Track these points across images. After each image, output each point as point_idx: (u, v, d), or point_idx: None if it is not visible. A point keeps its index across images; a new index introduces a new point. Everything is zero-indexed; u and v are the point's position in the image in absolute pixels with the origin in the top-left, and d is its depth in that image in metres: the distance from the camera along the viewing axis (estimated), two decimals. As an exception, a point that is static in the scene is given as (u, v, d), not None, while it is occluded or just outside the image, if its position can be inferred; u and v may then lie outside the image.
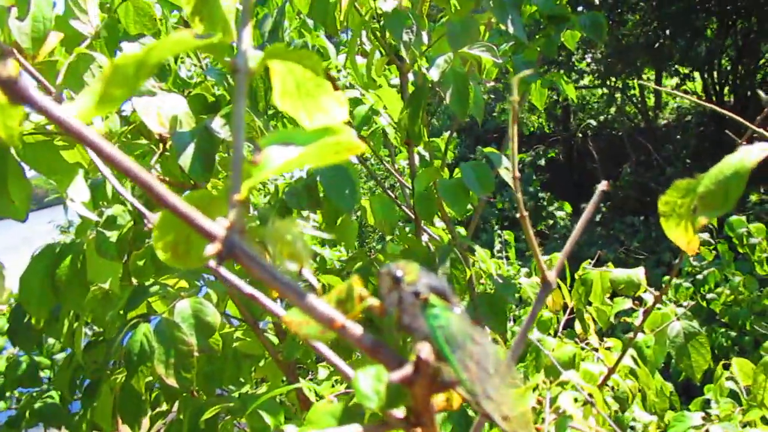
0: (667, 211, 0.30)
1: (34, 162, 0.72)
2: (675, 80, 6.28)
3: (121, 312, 0.79)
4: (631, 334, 0.77)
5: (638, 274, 0.73)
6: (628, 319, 0.89)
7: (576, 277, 0.85)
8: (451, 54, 0.92)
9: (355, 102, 1.18)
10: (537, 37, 1.41)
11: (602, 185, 0.37)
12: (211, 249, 0.18)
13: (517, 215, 0.35)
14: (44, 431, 1.30)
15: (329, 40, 1.26)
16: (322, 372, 1.32)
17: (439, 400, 0.29)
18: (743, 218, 1.99)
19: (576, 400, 0.68)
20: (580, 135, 6.73)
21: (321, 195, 0.97)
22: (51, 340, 1.48)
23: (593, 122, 6.66)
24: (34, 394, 1.34)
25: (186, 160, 0.73)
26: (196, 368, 0.86)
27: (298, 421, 0.69)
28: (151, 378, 0.96)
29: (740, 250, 2.00)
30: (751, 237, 1.96)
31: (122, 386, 0.87)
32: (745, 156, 0.26)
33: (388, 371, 0.20)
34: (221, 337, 0.92)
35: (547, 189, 5.91)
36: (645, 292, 0.79)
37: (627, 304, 0.84)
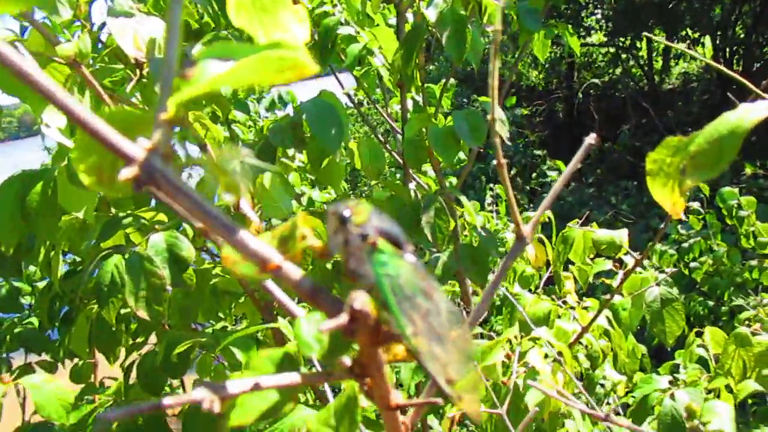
0: (655, 170, 0.28)
1: (1, 82, 0.68)
2: (683, 45, 6.12)
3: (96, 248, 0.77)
4: (609, 296, 0.77)
5: (621, 235, 0.72)
6: (609, 281, 0.89)
7: (558, 236, 0.84)
8: (452, -7, 0.87)
9: (348, 39, 1.13)
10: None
11: (591, 138, 0.34)
12: (127, 173, 0.16)
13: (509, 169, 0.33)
14: (25, 356, 1.31)
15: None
16: (302, 311, 1.33)
17: (397, 350, 0.28)
18: (735, 190, 1.98)
19: (546, 356, 0.69)
20: (581, 95, 6.62)
21: (308, 135, 0.94)
22: (32, 268, 1.48)
23: (597, 81, 6.53)
24: (15, 319, 1.34)
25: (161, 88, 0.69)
26: (173, 303, 0.85)
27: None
28: (129, 309, 0.96)
29: (728, 222, 2.00)
30: (741, 209, 1.96)
31: (96, 316, 0.87)
32: (745, 114, 0.24)
33: (327, 316, 0.18)
34: (199, 273, 0.91)
35: (544, 147, 5.85)
36: (626, 254, 0.78)
37: (607, 265, 0.84)
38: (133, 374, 0.99)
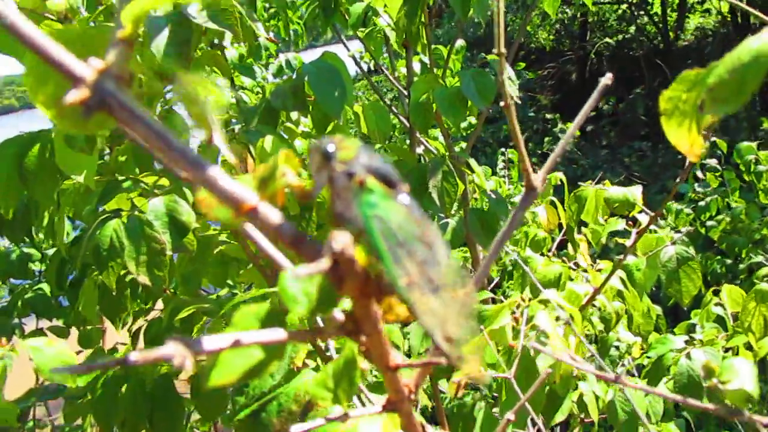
0: (669, 109, 0.25)
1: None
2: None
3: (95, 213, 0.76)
4: (622, 256, 0.75)
5: (634, 192, 0.69)
6: (623, 240, 0.86)
7: (570, 195, 0.81)
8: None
9: (351, -1, 1.09)
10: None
11: (606, 78, 0.32)
12: (74, 95, 0.14)
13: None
14: (36, 322, 1.32)
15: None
16: (289, 263, 1.32)
17: (399, 309, 0.26)
18: (753, 145, 1.93)
19: (557, 319, 0.67)
20: (594, 56, 6.44)
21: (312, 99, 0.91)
22: (41, 235, 1.48)
23: (610, 41, 6.35)
24: (26, 285, 1.35)
25: (159, 46, 0.67)
26: (178, 269, 0.84)
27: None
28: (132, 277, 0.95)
29: (746, 178, 1.96)
30: (759, 164, 1.91)
31: (101, 284, 0.86)
32: None
33: (311, 265, 0.16)
34: (204, 239, 0.90)
35: (556, 110, 5.74)
36: (640, 212, 0.75)
37: (621, 225, 0.81)
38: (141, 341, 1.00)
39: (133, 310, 0.99)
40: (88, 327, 1.04)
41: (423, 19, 0.91)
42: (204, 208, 0.18)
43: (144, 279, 0.65)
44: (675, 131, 0.24)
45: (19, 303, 1.29)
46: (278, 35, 1.84)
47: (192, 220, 0.69)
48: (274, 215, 0.16)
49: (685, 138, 0.24)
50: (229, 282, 1.15)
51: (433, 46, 1.17)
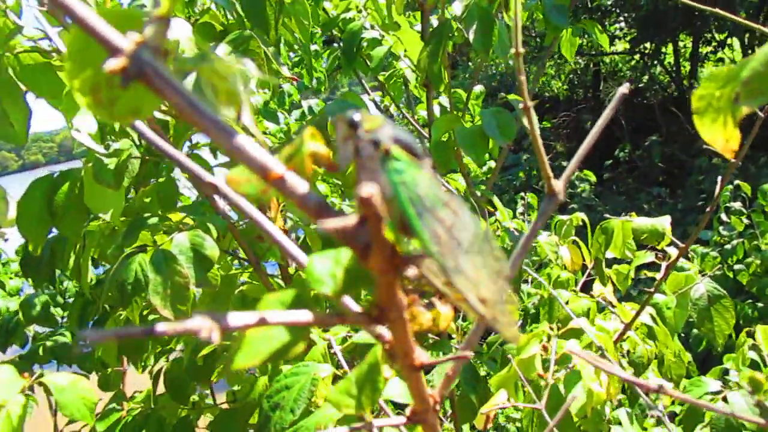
0: (702, 107, 0.25)
1: (33, 84, 0.69)
2: (709, 48, 6.00)
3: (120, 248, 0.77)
4: (653, 289, 0.73)
5: (663, 223, 0.68)
6: (652, 274, 0.85)
7: (597, 228, 0.80)
8: (476, -13, 0.86)
9: (373, 43, 1.13)
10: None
11: (624, 87, 0.32)
12: (114, 63, 0.15)
13: (541, 183, 0.31)
14: (57, 368, 1.32)
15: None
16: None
17: (423, 318, 0.26)
18: (778, 187, 1.90)
19: (590, 346, 0.65)
20: (607, 104, 6.49)
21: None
22: (66, 283, 1.50)
23: (624, 90, 6.41)
24: (48, 333, 1.36)
25: (190, 84, 0.69)
26: (200, 306, 0.84)
27: (296, 364, 0.67)
28: (157, 315, 0.95)
29: (773, 220, 1.92)
30: (786, 207, 1.87)
31: (124, 322, 0.87)
32: None
33: (338, 238, 0.16)
34: (226, 278, 0.90)
35: (572, 157, 5.74)
36: (669, 245, 0.74)
37: (649, 257, 0.80)
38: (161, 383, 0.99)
39: (154, 352, 0.99)
40: (108, 370, 1.04)
41: (444, 60, 0.94)
42: (233, 186, 0.18)
43: (168, 313, 0.65)
44: (709, 128, 0.24)
45: (41, 350, 1.29)
46: (302, 82, 1.90)
47: (216, 254, 0.69)
48: (300, 184, 0.16)
49: (720, 134, 0.24)
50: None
51: (452, 90, 1.20)
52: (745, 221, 2.03)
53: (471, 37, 0.87)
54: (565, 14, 1.23)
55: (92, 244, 0.89)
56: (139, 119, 0.20)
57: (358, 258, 0.17)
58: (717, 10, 0.63)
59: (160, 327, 0.16)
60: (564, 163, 5.71)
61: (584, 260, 1.26)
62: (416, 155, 0.17)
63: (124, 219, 0.84)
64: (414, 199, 0.16)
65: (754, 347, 1.15)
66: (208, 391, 1.22)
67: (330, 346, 0.67)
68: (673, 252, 0.76)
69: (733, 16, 0.58)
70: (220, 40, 0.81)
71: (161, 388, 0.95)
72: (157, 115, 0.79)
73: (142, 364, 0.93)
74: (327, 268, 0.19)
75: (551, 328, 0.57)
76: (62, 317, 1.45)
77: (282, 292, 0.20)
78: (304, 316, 0.19)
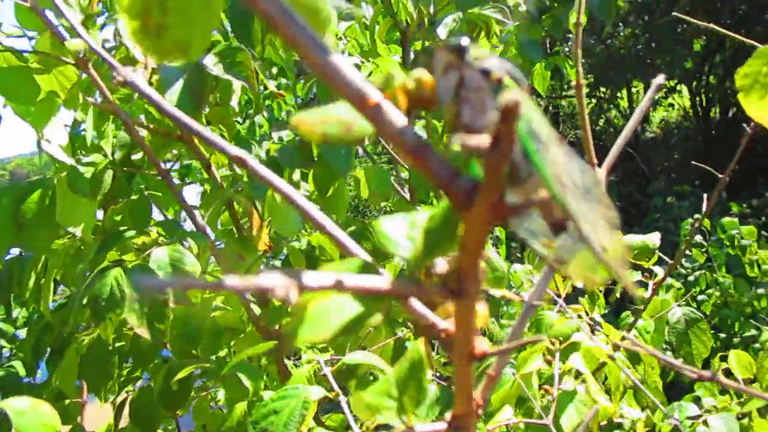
0: (747, 84, 0.25)
1: (2, 87, 0.65)
2: (661, 93, 6.34)
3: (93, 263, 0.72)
4: (642, 306, 0.73)
5: (653, 239, 0.69)
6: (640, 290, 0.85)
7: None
8: (461, 13, 0.87)
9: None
10: (544, 17, 1.37)
11: (660, 78, 0.32)
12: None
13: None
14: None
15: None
16: (304, 356, 1.26)
17: (450, 307, 0.24)
18: (735, 220, 1.98)
19: (577, 376, 0.63)
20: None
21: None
22: (16, 312, 1.40)
23: (661, 80, 6.72)
24: (-4, 363, 1.26)
25: (173, 95, 0.67)
26: (174, 329, 0.79)
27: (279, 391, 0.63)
28: (123, 343, 0.89)
29: (731, 252, 1.99)
30: (743, 239, 1.95)
31: (88, 348, 0.81)
32: None
33: (435, 184, 0.15)
34: (201, 303, 0.86)
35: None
36: (656, 264, 0.75)
37: (636, 276, 0.80)
38: (125, 417, 0.91)
39: (119, 381, 0.92)
40: (66, 402, 0.96)
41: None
42: (304, 128, 0.16)
43: (144, 331, 0.60)
44: (756, 105, 0.24)
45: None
46: (273, 115, 1.89)
47: (197, 270, 0.66)
48: (398, 116, 0.14)
49: (770, 109, 0.24)
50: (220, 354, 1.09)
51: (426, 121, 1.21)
52: (705, 254, 2.10)
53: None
54: (539, 49, 1.27)
55: (56, 264, 0.83)
56: (186, 60, 0.18)
57: (454, 206, 0.15)
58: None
59: (231, 280, 0.14)
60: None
61: (557, 288, 1.27)
62: (523, 88, 0.15)
63: (94, 237, 0.80)
64: (532, 135, 0.14)
65: (727, 372, 1.17)
66: (172, 427, 1.14)
67: (320, 369, 0.63)
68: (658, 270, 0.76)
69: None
70: (207, 52, 0.80)
71: (124, 421, 0.88)
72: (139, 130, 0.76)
73: (105, 395, 0.86)
74: (402, 231, 0.17)
75: (552, 343, 0.56)
76: (11, 349, 1.35)
77: (346, 261, 0.18)
78: (382, 282, 0.16)
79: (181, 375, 0.66)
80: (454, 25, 0.87)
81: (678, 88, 6.31)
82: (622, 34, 5.82)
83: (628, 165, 5.96)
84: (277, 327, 0.88)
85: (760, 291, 1.87)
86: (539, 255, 0.17)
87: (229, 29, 0.80)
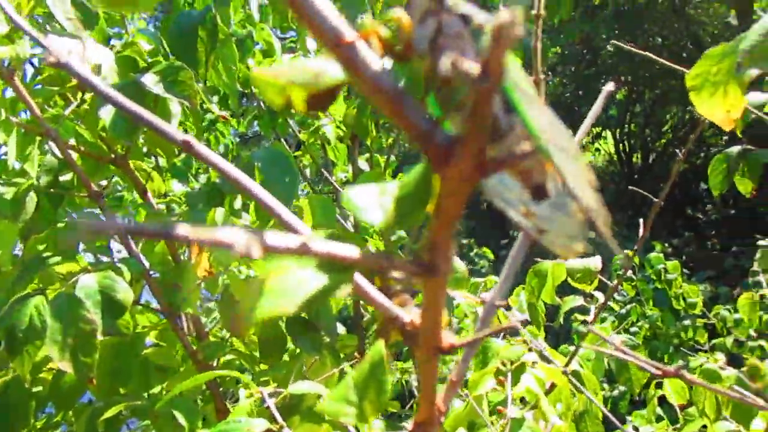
0: (698, 84, 0.26)
1: None
2: (587, 139, 6.75)
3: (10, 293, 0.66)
4: (586, 329, 0.74)
5: (595, 262, 0.71)
6: (583, 316, 0.86)
7: (529, 272, 0.81)
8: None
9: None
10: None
11: (609, 86, 0.33)
12: None
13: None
14: None
15: (278, 37, 1.21)
16: (243, 393, 1.19)
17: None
18: (661, 255, 2.09)
19: (523, 405, 0.63)
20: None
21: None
22: None
23: (611, 87, 7.05)
24: None
25: (108, 113, 0.63)
26: (101, 365, 0.73)
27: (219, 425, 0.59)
28: (40, 388, 0.81)
29: (658, 286, 2.09)
30: (668, 273, 2.05)
31: (4, 388, 0.73)
32: None
33: (411, 136, 0.14)
34: (132, 338, 0.80)
35: (471, 236, 6.03)
36: (596, 289, 0.76)
37: (578, 301, 0.81)
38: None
39: (35, 429, 0.83)
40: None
41: (371, 113, 0.95)
42: (262, 78, 0.15)
43: (67, 365, 0.55)
44: (707, 102, 0.25)
45: None
46: (208, 146, 1.85)
47: (130, 299, 0.61)
48: (374, 58, 0.13)
49: (720, 106, 0.25)
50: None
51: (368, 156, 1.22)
52: (635, 288, 2.19)
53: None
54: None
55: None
56: (135, 10, 0.17)
57: (432, 161, 0.14)
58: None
59: (182, 229, 0.12)
60: (464, 241, 5.95)
61: (500, 322, 1.28)
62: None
63: (12, 268, 0.73)
64: (517, 85, 0.14)
65: (663, 399, 1.20)
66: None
67: (263, 401, 0.60)
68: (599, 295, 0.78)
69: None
70: (146, 71, 0.77)
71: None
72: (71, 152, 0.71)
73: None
74: (373, 198, 0.16)
75: (503, 364, 0.55)
76: None
77: (320, 231, 0.16)
78: (352, 251, 0.15)
79: (109, 414, 0.60)
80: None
81: (603, 134, 6.72)
82: (550, 83, 6.19)
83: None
84: (214, 362, 0.83)
85: (686, 323, 1.96)
86: (518, 225, 0.16)
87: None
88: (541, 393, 0.52)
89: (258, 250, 0.13)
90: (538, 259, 0.76)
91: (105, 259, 0.81)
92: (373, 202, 0.16)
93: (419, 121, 0.14)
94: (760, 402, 0.28)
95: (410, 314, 0.21)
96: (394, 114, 0.14)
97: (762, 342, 1.88)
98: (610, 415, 0.64)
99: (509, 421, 0.50)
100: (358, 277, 0.22)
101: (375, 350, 0.23)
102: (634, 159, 6.83)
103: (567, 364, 0.69)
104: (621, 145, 6.72)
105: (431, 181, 0.15)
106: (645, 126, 6.46)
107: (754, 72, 0.24)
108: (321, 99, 0.17)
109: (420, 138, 0.14)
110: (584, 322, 0.80)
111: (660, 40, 5.54)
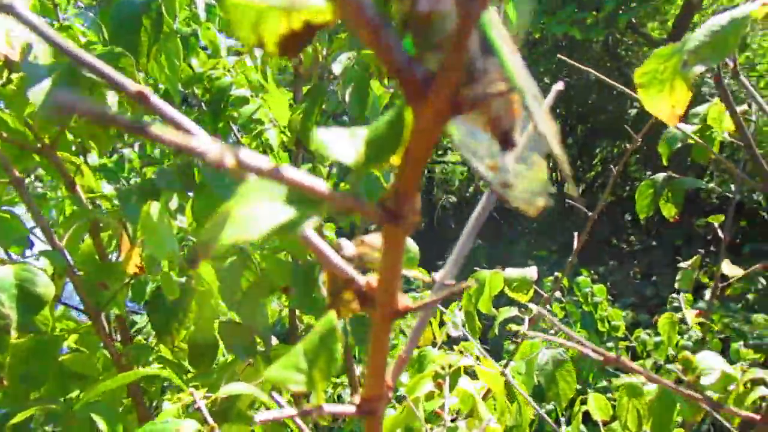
0: (646, 81, 0.28)
1: None
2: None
3: None
4: (519, 339, 0.75)
5: (531, 273, 0.73)
6: (517, 327, 0.88)
7: (469, 278, 0.82)
8: (356, 52, 0.90)
9: (241, 101, 1.11)
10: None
11: (558, 85, 0.34)
12: None
13: None
14: None
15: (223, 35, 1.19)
16: (167, 405, 1.13)
17: (353, 305, 0.23)
18: (588, 279, 2.19)
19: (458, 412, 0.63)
20: (440, 209, 7.16)
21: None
22: None
23: (453, 198, 7.18)
24: None
25: (38, 95, 0.60)
26: (10, 368, 0.67)
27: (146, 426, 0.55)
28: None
29: (585, 309, 2.18)
30: (595, 297, 2.15)
31: None
32: (745, 7, 0.25)
33: (389, 68, 0.14)
34: (49, 341, 0.74)
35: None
36: (530, 301, 0.79)
37: (513, 311, 0.83)
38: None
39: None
40: None
41: (318, 118, 0.95)
42: (231, 11, 0.14)
43: (-26, 360, 0.50)
44: (654, 99, 0.26)
45: None
46: (143, 151, 1.78)
47: (51, 293, 0.57)
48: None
49: (667, 101, 0.26)
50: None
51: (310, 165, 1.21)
52: (563, 310, 2.28)
53: (347, 97, 0.90)
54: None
55: None
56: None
57: (408, 95, 0.14)
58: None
59: (154, 128, 0.11)
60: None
61: (434, 336, 1.29)
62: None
63: None
64: (494, 24, 0.14)
65: (587, 415, 1.24)
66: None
67: (193, 404, 0.57)
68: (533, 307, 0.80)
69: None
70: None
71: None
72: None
73: None
74: (343, 139, 0.16)
75: (442, 368, 0.55)
76: None
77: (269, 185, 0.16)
78: (320, 186, 0.15)
79: (19, 418, 0.55)
80: (348, 63, 0.89)
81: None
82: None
83: (493, 226, 6.44)
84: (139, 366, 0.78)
85: (610, 344, 2.05)
86: (483, 178, 0.16)
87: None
88: (477, 396, 0.53)
89: (231, 161, 0.12)
90: (477, 269, 0.77)
91: (16, 257, 0.75)
92: (344, 141, 0.15)
93: (399, 54, 0.14)
94: (698, 395, 0.29)
95: (366, 277, 0.21)
96: (374, 45, 0.13)
97: (677, 365, 1.99)
98: (545, 415, 0.65)
99: (446, 427, 0.50)
100: (315, 238, 0.22)
101: (326, 320, 0.23)
102: (563, 186, 7.19)
103: (506, 365, 0.70)
104: (554, 174, 7.05)
105: (403, 123, 0.15)
106: (577, 158, 6.81)
107: (698, 69, 0.25)
108: (294, 40, 0.16)
109: (398, 71, 0.14)
110: (516, 333, 0.82)
111: (593, 77, 5.89)
